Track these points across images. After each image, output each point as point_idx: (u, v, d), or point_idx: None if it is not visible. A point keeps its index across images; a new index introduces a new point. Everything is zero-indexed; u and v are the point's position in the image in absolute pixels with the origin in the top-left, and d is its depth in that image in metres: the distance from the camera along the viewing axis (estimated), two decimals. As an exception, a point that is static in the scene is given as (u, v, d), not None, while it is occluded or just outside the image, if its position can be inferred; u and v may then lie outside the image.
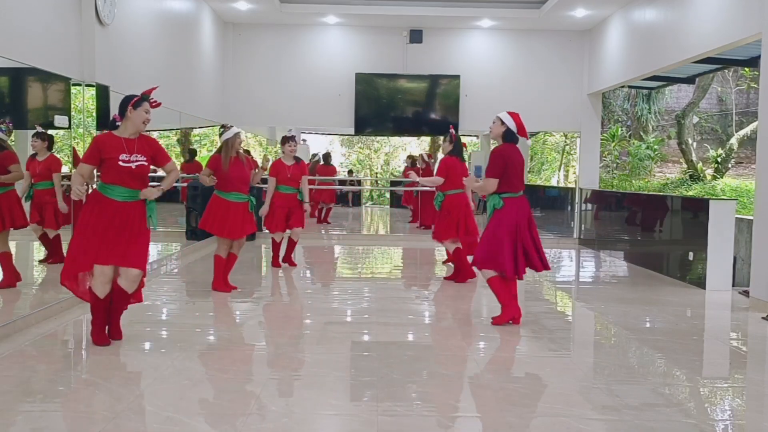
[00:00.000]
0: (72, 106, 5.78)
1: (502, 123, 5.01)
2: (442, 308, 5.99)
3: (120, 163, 4.16)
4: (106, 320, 4.41)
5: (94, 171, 4.37)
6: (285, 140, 7.45)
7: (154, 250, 8.92)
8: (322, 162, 14.44)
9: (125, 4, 6.77)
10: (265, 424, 3.14)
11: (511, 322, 5.14)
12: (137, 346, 4.53)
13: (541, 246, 5.13)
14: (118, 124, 4.28)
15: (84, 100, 5.82)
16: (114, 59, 6.47)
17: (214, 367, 4.03)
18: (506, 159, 4.93)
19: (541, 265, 5.06)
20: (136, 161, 4.21)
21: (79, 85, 5.81)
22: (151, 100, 4.32)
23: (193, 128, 10.40)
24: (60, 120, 5.78)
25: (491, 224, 5.04)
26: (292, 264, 7.85)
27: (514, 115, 5.03)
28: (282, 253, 7.79)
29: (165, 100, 8.31)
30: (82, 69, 5.92)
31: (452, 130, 7.06)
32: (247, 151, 10.25)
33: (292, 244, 7.80)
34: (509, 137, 5.02)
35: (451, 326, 5.24)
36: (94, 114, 5.86)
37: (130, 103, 4.21)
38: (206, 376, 3.86)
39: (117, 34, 6.57)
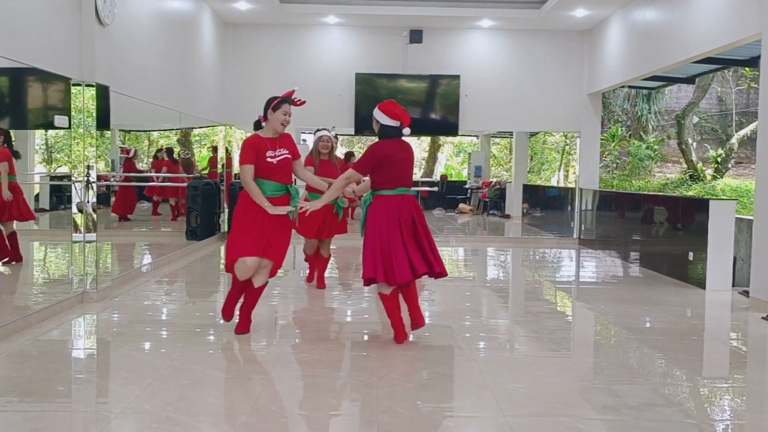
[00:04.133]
0: (72, 106, 5.78)
1: (377, 121, 4.57)
2: (442, 308, 5.99)
3: (268, 159, 4.45)
4: (238, 299, 4.79)
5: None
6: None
7: (153, 250, 8.94)
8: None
9: (125, 4, 6.77)
10: (265, 424, 3.14)
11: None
12: (137, 346, 4.53)
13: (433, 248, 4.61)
14: (263, 125, 4.56)
15: (84, 100, 5.82)
16: (114, 59, 6.47)
17: (214, 367, 4.03)
18: (380, 155, 4.49)
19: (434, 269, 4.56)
20: (281, 155, 4.50)
21: (79, 85, 5.81)
22: (295, 100, 4.55)
23: (193, 128, 10.39)
24: (60, 120, 5.77)
25: (368, 229, 4.56)
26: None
27: (387, 106, 4.56)
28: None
29: (165, 100, 8.39)
30: (82, 69, 5.91)
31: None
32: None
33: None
34: (387, 133, 4.55)
35: (451, 326, 5.23)
36: (94, 114, 5.86)
37: (270, 105, 4.47)
38: (206, 376, 3.86)
39: (117, 34, 6.57)
